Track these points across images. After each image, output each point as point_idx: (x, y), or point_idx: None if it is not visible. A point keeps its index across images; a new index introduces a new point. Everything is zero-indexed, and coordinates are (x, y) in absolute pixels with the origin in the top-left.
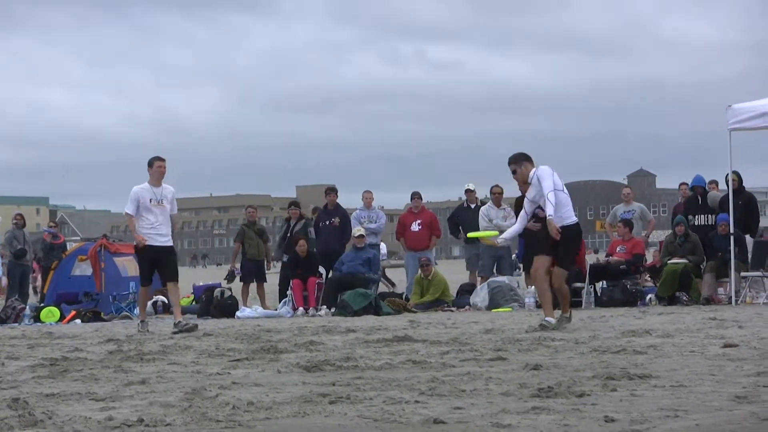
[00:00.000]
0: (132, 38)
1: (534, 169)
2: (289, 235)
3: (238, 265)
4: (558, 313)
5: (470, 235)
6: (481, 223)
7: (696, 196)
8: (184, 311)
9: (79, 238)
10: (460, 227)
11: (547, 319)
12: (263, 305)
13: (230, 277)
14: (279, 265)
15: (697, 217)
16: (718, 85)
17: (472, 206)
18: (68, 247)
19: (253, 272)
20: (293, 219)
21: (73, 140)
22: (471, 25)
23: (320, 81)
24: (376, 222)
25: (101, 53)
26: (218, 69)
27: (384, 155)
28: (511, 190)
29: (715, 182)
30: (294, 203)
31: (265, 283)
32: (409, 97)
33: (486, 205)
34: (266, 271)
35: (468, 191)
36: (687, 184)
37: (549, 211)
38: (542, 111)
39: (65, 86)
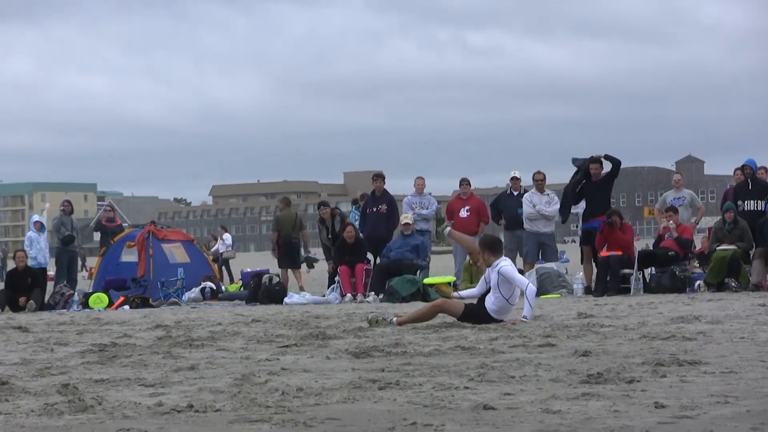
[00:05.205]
0: (171, 25)
1: (498, 261)
2: (330, 236)
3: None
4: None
5: (426, 281)
6: (526, 209)
7: (746, 181)
8: (233, 297)
9: (126, 224)
10: (502, 214)
11: (391, 318)
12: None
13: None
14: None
15: (746, 202)
16: (759, 71)
17: (515, 193)
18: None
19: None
20: (327, 220)
21: (117, 127)
22: (509, 11)
23: (359, 68)
24: (428, 208)
25: (141, 40)
26: (257, 56)
27: (429, 141)
28: (554, 177)
29: (765, 168)
30: (322, 203)
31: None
32: (450, 83)
33: (530, 192)
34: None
35: (514, 179)
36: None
37: (526, 310)
38: (583, 97)
39: (107, 73)
